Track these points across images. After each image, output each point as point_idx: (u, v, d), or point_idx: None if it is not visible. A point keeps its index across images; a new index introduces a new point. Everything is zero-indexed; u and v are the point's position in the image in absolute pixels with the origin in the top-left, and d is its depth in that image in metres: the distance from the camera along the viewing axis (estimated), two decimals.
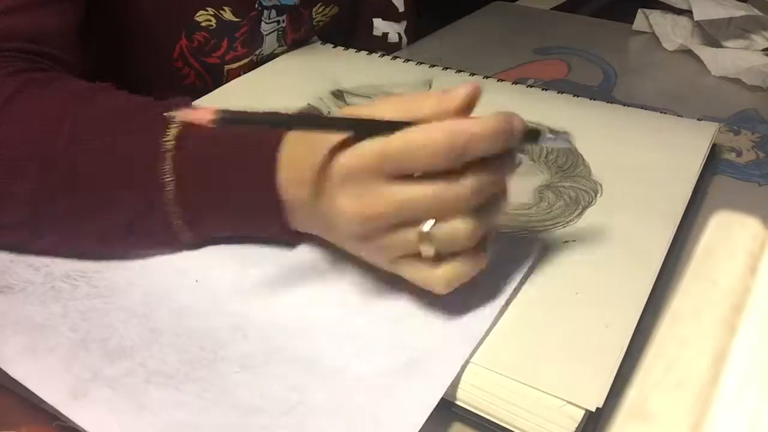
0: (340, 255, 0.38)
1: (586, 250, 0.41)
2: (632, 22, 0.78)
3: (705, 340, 0.37)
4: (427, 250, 0.33)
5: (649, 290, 0.38)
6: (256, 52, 0.62)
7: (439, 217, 0.32)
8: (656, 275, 0.39)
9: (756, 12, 0.69)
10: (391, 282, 0.37)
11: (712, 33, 0.71)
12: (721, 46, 0.71)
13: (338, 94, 0.58)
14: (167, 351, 0.34)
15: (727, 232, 0.46)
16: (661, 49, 0.73)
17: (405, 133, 0.32)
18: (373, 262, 0.36)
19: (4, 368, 0.32)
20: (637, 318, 0.36)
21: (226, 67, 0.61)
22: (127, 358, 0.33)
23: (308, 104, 0.57)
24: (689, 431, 0.33)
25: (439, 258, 0.33)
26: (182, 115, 0.30)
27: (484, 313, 0.35)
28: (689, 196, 0.45)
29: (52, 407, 0.32)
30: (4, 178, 0.37)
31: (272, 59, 0.64)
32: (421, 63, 0.64)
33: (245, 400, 0.31)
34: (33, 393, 0.32)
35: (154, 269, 0.39)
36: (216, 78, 0.61)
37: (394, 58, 0.65)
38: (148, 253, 0.40)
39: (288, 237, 0.39)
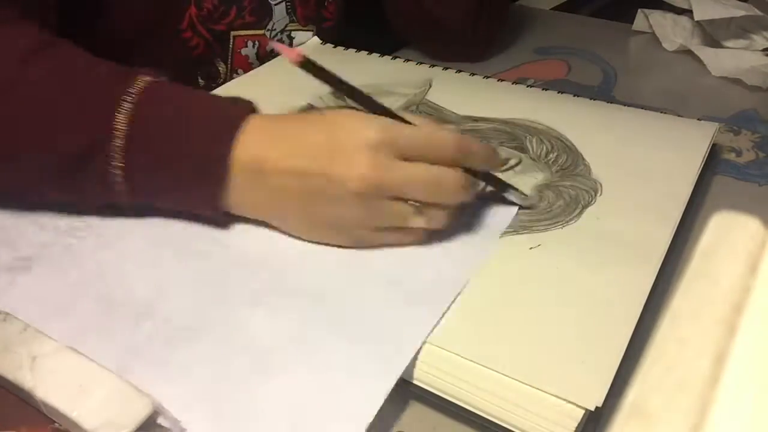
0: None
1: (586, 249, 0.41)
2: (632, 22, 0.78)
3: (705, 340, 0.37)
4: (419, 221, 0.39)
5: (649, 290, 0.38)
6: (268, 26, 0.62)
7: (435, 199, 0.38)
8: (656, 275, 0.39)
9: (756, 12, 0.69)
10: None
11: (712, 33, 0.71)
12: (721, 46, 0.71)
13: (338, 94, 0.58)
14: (182, 301, 0.37)
15: (727, 232, 0.46)
16: (661, 49, 0.73)
17: (426, 126, 0.39)
18: (339, 234, 0.39)
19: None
20: (637, 317, 0.36)
21: (233, 33, 0.60)
22: (148, 317, 0.36)
23: (308, 103, 0.57)
24: (689, 431, 0.33)
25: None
26: (276, 45, 0.36)
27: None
28: (689, 196, 0.45)
29: (49, 409, 0.32)
30: None
31: (284, 33, 0.64)
32: (421, 63, 0.64)
33: (260, 337, 0.34)
34: (32, 394, 0.32)
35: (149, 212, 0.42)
36: (224, 47, 0.61)
37: (394, 58, 0.65)
38: (73, 201, 0.41)
39: (218, 217, 0.41)
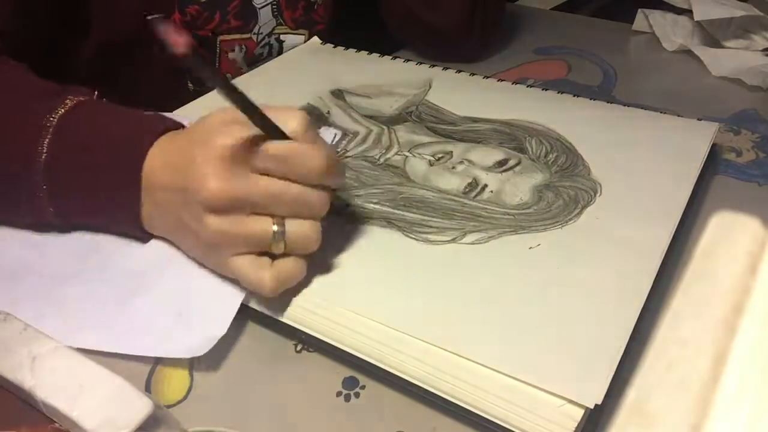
0: None
1: (585, 249, 0.41)
2: (632, 22, 0.78)
3: (705, 340, 0.37)
4: (278, 245, 0.36)
5: (648, 288, 0.38)
6: (254, 29, 0.62)
7: (296, 216, 0.37)
8: (655, 274, 0.39)
9: (756, 12, 0.69)
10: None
11: (712, 33, 0.71)
12: (721, 46, 0.71)
13: (338, 94, 0.58)
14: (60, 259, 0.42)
15: (727, 232, 0.46)
16: (661, 49, 0.73)
17: (292, 142, 0.37)
18: (209, 255, 0.38)
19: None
20: (636, 316, 0.36)
21: (219, 38, 0.61)
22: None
23: (308, 103, 0.57)
24: (689, 431, 0.33)
25: (273, 258, 0.37)
26: (165, 29, 0.30)
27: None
28: (689, 196, 0.45)
29: (49, 409, 0.32)
30: None
31: (272, 36, 0.64)
32: (421, 63, 0.64)
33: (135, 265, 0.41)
34: (32, 394, 0.33)
35: None
36: (209, 50, 0.61)
37: (394, 58, 0.65)
38: (15, 223, 0.43)
39: (139, 234, 0.41)
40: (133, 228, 0.41)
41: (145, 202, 0.39)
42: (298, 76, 0.62)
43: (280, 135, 0.37)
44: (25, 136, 0.40)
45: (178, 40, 0.30)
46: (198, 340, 0.37)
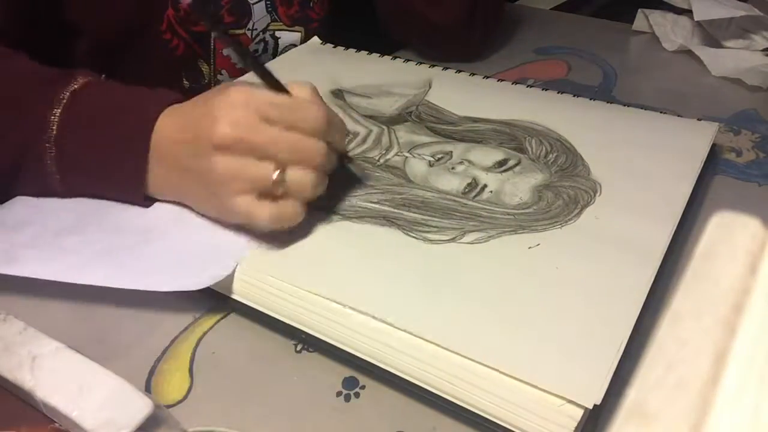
0: None
1: (585, 249, 0.41)
2: (632, 22, 0.78)
3: (705, 340, 0.37)
4: (279, 188, 0.40)
5: (648, 288, 0.38)
6: (249, 26, 0.62)
7: (296, 163, 0.40)
8: (655, 274, 0.39)
9: (756, 12, 0.69)
10: None
11: (712, 33, 0.71)
12: (721, 46, 0.71)
13: (338, 94, 0.58)
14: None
15: (727, 232, 0.46)
16: (661, 49, 0.73)
17: (296, 97, 0.42)
18: (213, 196, 0.41)
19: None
20: (636, 315, 0.36)
21: (214, 34, 0.61)
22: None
23: None
24: (689, 431, 0.33)
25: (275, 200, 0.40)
26: None
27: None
28: (689, 196, 0.45)
29: (49, 409, 0.32)
30: None
31: (267, 33, 0.64)
32: (421, 63, 0.64)
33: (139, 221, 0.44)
34: (32, 394, 0.33)
35: None
36: (204, 46, 0.61)
37: (394, 58, 0.65)
38: (21, 190, 0.46)
39: (141, 201, 0.44)
40: (137, 195, 0.44)
41: (153, 167, 0.43)
42: (298, 76, 0.61)
43: (285, 93, 0.42)
44: (38, 109, 0.43)
45: None
46: (204, 278, 0.39)
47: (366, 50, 0.66)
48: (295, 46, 0.67)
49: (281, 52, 0.67)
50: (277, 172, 0.39)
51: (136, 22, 0.58)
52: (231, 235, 0.42)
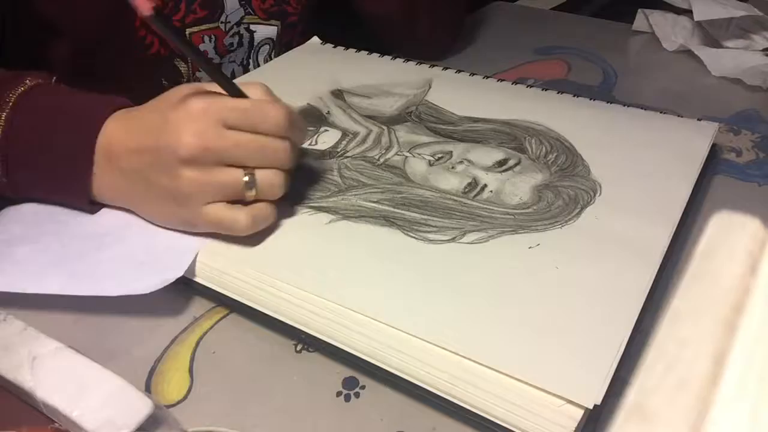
0: None
1: (585, 248, 0.41)
2: (632, 22, 0.78)
3: (705, 340, 0.37)
4: (250, 192, 0.40)
5: (648, 288, 0.38)
6: (222, 19, 0.62)
7: (263, 165, 0.40)
8: (655, 273, 0.39)
9: (756, 12, 0.69)
10: None
11: (712, 33, 0.71)
12: (721, 46, 0.71)
13: (338, 94, 0.58)
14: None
15: (727, 232, 0.46)
16: (661, 49, 0.73)
17: (254, 98, 0.42)
18: (182, 209, 0.41)
19: None
20: (636, 315, 0.36)
21: (188, 30, 0.60)
22: None
23: (308, 104, 0.57)
24: (689, 431, 0.33)
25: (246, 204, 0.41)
26: None
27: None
28: (688, 196, 0.45)
29: (49, 410, 0.32)
30: None
31: (241, 26, 0.63)
32: (421, 63, 0.64)
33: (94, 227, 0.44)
34: (33, 394, 0.33)
35: None
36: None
37: (394, 58, 0.65)
38: None
39: (87, 206, 0.44)
40: (82, 199, 0.44)
41: (102, 172, 0.42)
42: (298, 76, 0.62)
43: (243, 96, 0.42)
44: None
45: (143, 4, 0.35)
46: (156, 281, 0.39)
47: (360, 49, 0.66)
48: (272, 39, 0.67)
49: (258, 46, 0.66)
50: (246, 177, 0.40)
51: (109, 18, 0.57)
52: (182, 236, 0.42)
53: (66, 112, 0.43)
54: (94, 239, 0.43)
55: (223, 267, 0.40)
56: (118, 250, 0.42)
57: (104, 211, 0.45)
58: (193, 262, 0.41)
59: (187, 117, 0.39)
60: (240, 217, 0.40)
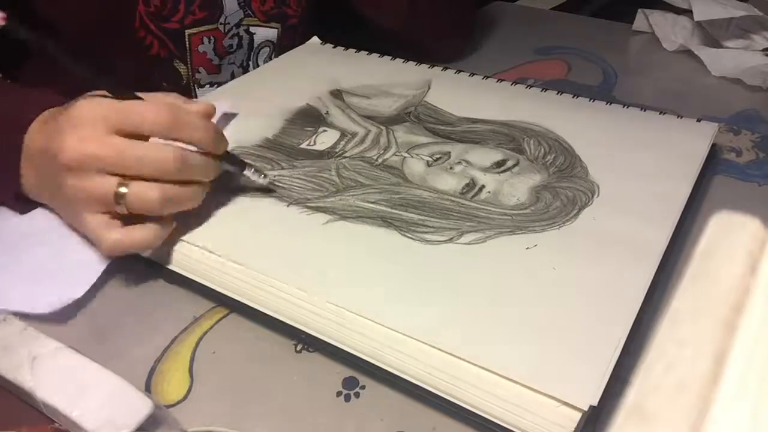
0: None
1: (583, 249, 0.41)
2: (632, 22, 0.78)
3: (705, 340, 0.37)
4: (121, 207, 0.38)
5: (646, 289, 0.38)
6: (220, 20, 0.62)
7: (146, 174, 0.38)
8: (653, 274, 0.39)
9: (756, 12, 0.69)
10: None
11: (712, 33, 0.71)
12: (721, 46, 0.71)
13: (337, 94, 0.58)
14: None
15: (727, 232, 0.46)
16: (661, 49, 0.73)
17: (138, 101, 0.39)
18: (69, 213, 0.41)
19: None
20: (633, 317, 0.36)
21: (187, 31, 0.60)
22: None
23: (307, 104, 0.57)
24: (689, 431, 0.33)
25: (123, 223, 0.39)
26: None
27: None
28: (688, 196, 0.45)
29: (49, 410, 0.32)
30: None
31: (240, 28, 0.63)
32: (421, 63, 0.64)
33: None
34: (33, 394, 0.33)
35: None
36: (179, 45, 0.61)
37: (394, 58, 0.65)
38: None
39: (18, 204, 0.44)
40: (8, 194, 0.44)
41: (26, 171, 0.42)
42: (297, 76, 0.62)
43: (136, 98, 0.40)
44: None
45: None
46: (55, 299, 0.39)
47: (360, 49, 0.66)
48: (272, 42, 0.67)
49: (258, 48, 0.66)
50: (119, 188, 0.38)
51: (109, 18, 0.57)
52: (88, 250, 0.42)
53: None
54: (23, 239, 0.43)
55: (221, 266, 0.40)
56: (32, 260, 0.42)
57: (38, 210, 0.45)
58: (192, 261, 0.41)
59: (73, 121, 0.38)
60: (102, 237, 0.39)
